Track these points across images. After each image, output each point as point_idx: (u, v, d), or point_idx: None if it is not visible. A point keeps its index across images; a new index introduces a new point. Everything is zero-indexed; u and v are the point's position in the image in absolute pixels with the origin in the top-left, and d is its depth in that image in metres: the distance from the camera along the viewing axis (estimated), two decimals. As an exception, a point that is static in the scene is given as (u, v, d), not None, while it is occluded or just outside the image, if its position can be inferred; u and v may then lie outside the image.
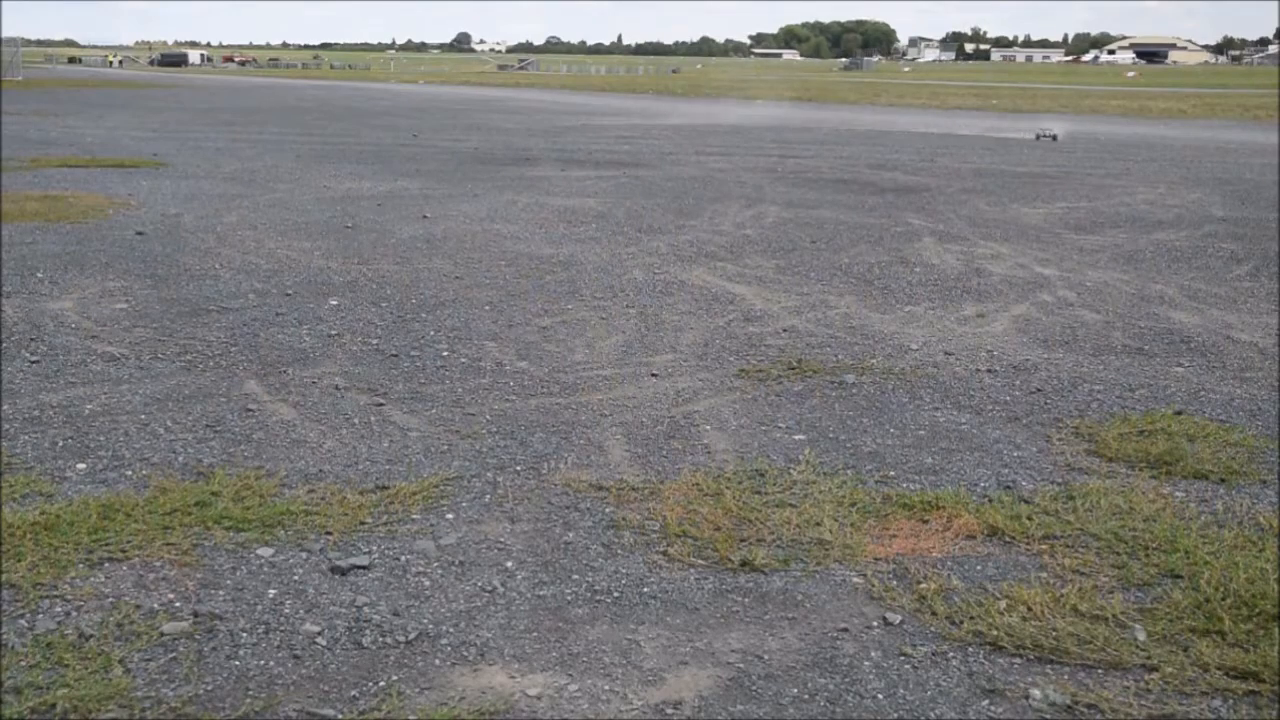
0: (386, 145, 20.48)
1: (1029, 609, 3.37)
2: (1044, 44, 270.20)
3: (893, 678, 3.04)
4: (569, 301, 7.56)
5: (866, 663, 3.12)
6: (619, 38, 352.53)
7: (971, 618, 3.33)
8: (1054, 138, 24.37)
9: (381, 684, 2.96)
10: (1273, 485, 4.47)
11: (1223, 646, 3.17)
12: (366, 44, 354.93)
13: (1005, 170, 17.47)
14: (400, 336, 6.54)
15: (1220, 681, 3.01)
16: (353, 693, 2.92)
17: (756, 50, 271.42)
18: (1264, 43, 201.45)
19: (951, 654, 3.16)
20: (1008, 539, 3.89)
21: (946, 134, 26.03)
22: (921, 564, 3.70)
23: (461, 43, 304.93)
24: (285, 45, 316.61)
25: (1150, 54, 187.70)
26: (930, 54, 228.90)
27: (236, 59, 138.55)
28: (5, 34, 56.81)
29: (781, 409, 5.35)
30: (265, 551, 3.69)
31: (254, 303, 7.32)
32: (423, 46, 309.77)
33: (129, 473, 4.34)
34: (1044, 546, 3.84)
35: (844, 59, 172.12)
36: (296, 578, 3.53)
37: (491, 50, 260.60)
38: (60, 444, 4.65)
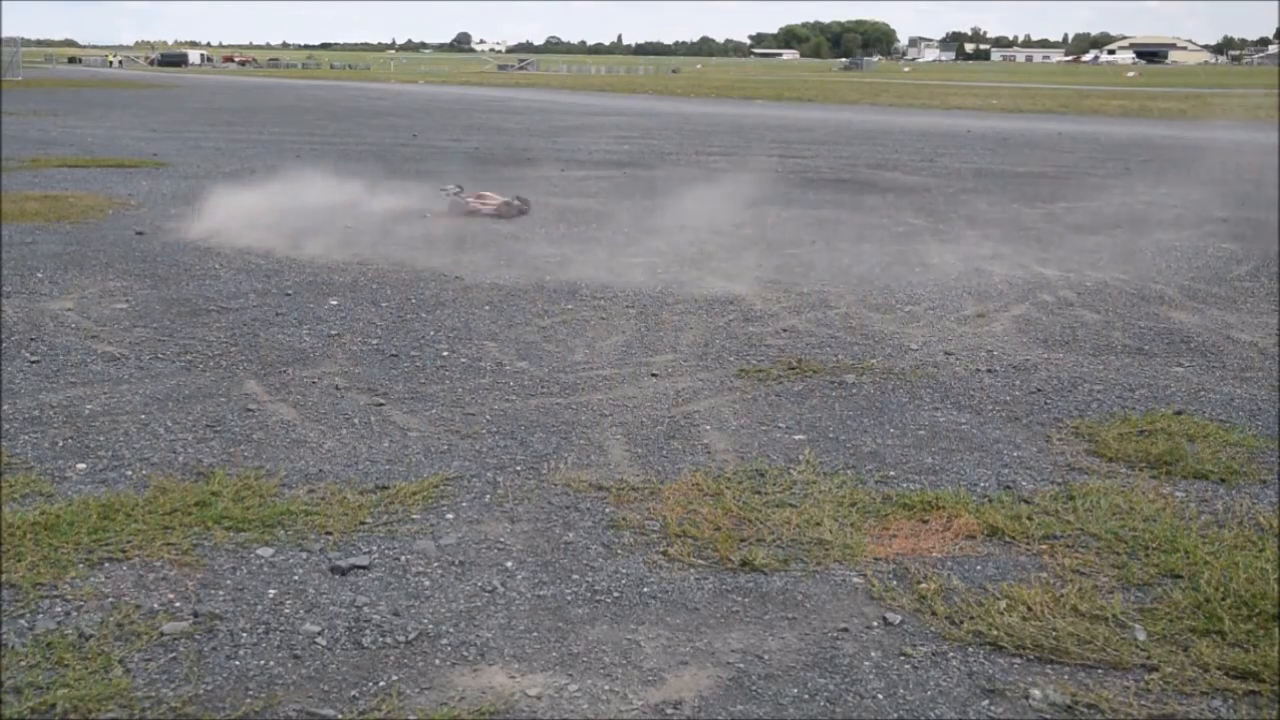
0: (387, 145, 20.49)
1: (1029, 609, 3.37)
2: (1044, 44, 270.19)
3: (893, 678, 3.04)
4: (569, 301, 7.56)
5: (866, 663, 3.12)
6: (619, 38, 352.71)
7: (971, 618, 3.33)
8: None
9: (381, 684, 2.96)
10: (1273, 485, 4.47)
11: (1223, 646, 3.17)
12: (366, 44, 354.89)
13: (1005, 170, 17.48)
14: (400, 336, 6.54)
15: (1220, 681, 3.01)
16: (353, 693, 2.92)
17: (756, 50, 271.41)
18: (1264, 43, 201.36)
19: (951, 654, 3.16)
20: (1008, 539, 3.89)
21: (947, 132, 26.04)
22: (921, 564, 3.70)
23: (461, 43, 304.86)
24: (285, 45, 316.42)
25: (1150, 54, 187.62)
26: (930, 54, 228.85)
27: (236, 59, 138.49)
28: (5, 34, 56.80)
29: (781, 409, 5.35)
30: (265, 551, 3.69)
31: (254, 303, 7.32)
32: (420, 47, 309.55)
33: (129, 473, 4.34)
34: (1044, 546, 3.84)
35: (844, 59, 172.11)
36: (296, 578, 3.53)
37: (491, 50, 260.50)
38: (60, 444, 4.65)
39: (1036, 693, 2.97)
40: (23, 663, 2.98)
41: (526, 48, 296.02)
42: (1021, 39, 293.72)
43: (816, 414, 5.28)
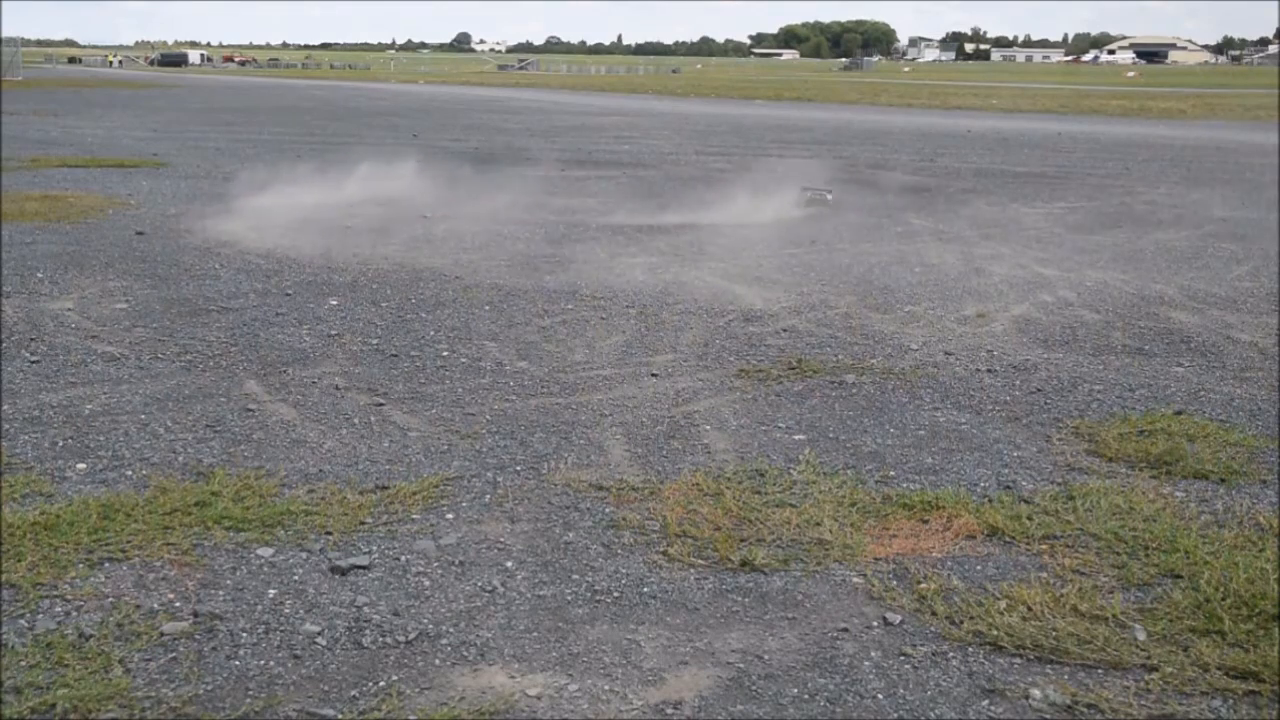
0: (387, 145, 20.47)
1: (1029, 609, 3.37)
2: (1044, 44, 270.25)
3: (893, 678, 3.04)
4: (569, 301, 7.56)
5: (866, 663, 3.12)
6: (619, 38, 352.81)
7: (971, 618, 3.33)
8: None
9: (381, 684, 2.96)
10: (1273, 485, 4.47)
11: (1223, 646, 3.17)
12: (366, 44, 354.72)
13: (1005, 170, 17.48)
14: (400, 336, 6.54)
15: (1220, 681, 3.01)
16: (353, 693, 2.92)
17: (756, 50, 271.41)
18: (1264, 43, 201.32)
19: (951, 654, 3.16)
20: (1008, 539, 3.89)
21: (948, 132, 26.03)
22: (921, 564, 3.70)
23: (461, 43, 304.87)
24: (285, 45, 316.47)
25: (1150, 54, 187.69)
26: (930, 54, 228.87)
27: (236, 59, 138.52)
28: (5, 34, 56.80)
29: (781, 409, 5.35)
30: (265, 551, 3.69)
31: (254, 303, 7.32)
32: (420, 47, 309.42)
33: (129, 473, 4.34)
34: (1044, 546, 3.84)
35: (844, 59, 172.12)
36: (296, 578, 3.53)
37: (491, 50, 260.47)
38: (60, 444, 4.65)
39: (1036, 693, 2.97)
40: (23, 663, 2.98)
41: (526, 48, 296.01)
42: (1021, 39, 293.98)
43: (816, 414, 5.28)
